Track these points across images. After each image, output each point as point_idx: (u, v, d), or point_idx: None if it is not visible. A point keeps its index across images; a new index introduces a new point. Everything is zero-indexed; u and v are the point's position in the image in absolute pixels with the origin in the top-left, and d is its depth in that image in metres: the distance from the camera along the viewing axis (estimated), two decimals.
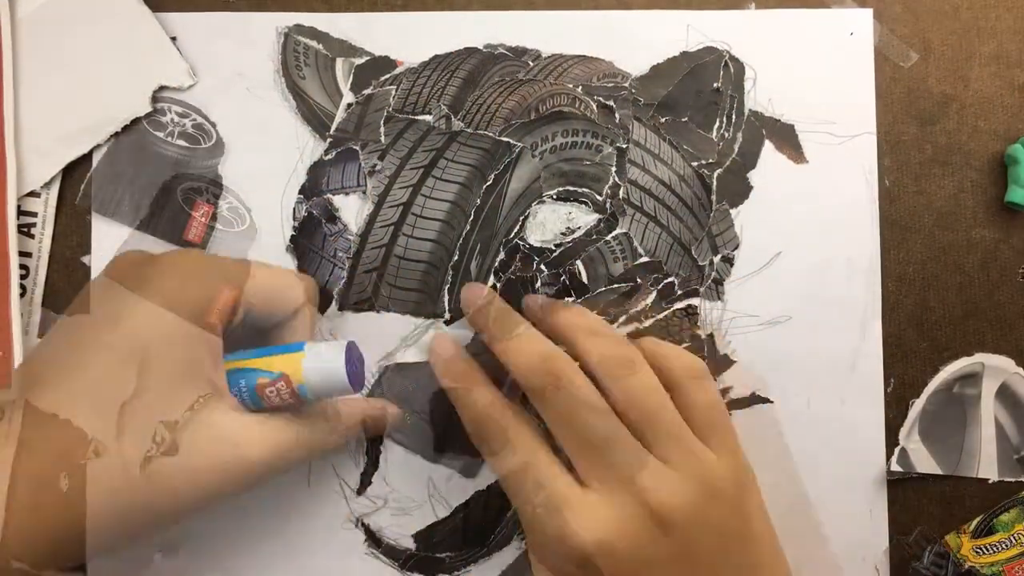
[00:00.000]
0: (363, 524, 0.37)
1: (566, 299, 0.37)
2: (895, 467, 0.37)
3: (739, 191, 0.38)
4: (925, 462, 0.38)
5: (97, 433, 0.27)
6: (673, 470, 0.30)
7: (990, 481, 0.38)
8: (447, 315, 0.37)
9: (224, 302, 0.30)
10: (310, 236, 0.38)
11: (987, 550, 0.38)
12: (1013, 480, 0.38)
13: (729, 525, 0.30)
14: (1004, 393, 0.38)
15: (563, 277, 0.37)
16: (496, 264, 0.37)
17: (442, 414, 0.37)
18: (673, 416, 0.31)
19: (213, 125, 0.38)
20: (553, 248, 0.38)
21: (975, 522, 0.37)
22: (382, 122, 0.38)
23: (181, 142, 0.38)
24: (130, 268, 0.31)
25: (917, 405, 0.38)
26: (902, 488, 0.38)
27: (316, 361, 0.31)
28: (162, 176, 0.38)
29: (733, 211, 0.38)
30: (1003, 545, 0.38)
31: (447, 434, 0.37)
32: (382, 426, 0.36)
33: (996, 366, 0.38)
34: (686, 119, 0.39)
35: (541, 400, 0.31)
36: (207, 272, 0.31)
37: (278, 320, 0.33)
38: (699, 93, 0.39)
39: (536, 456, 0.31)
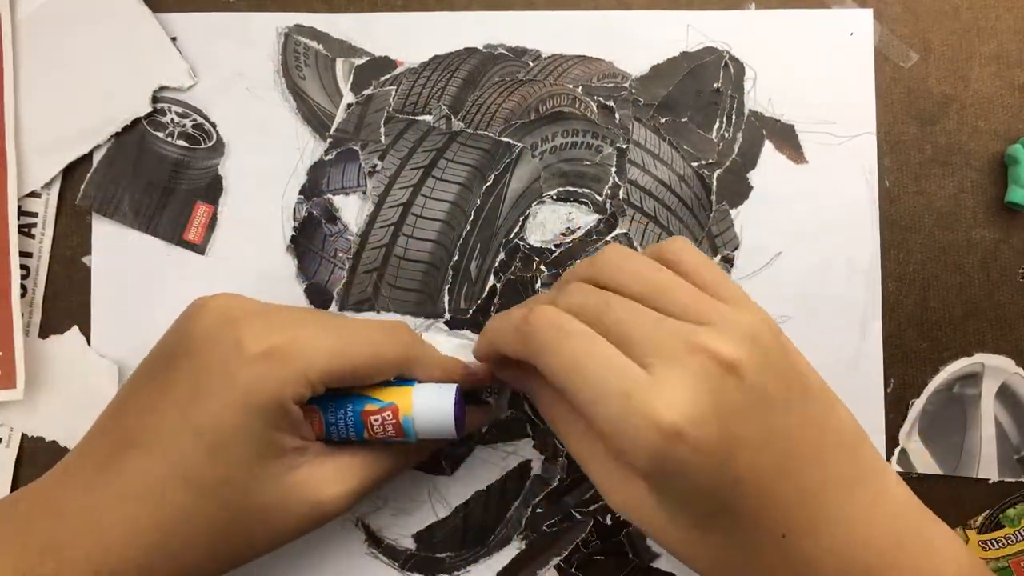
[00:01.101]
0: (363, 524, 0.37)
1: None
2: (895, 467, 0.37)
3: (739, 191, 0.38)
4: (925, 462, 0.38)
5: (186, 515, 0.29)
6: (720, 326, 0.28)
7: (990, 481, 0.38)
8: (447, 315, 0.37)
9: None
10: (310, 236, 0.38)
11: (994, 544, 0.38)
12: (1013, 480, 0.38)
13: (781, 367, 0.29)
14: (1004, 393, 0.38)
15: None
16: (496, 264, 0.37)
17: None
18: (686, 284, 0.30)
19: (213, 125, 0.38)
20: (553, 248, 0.38)
21: (981, 517, 0.38)
22: (382, 122, 0.38)
23: (181, 142, 0.38)
24: (216, 331, 0.31)
25: (917, 405, 0.38)
26: None
27: (427, 396, 0.32)
28: (162, 176, 0.38)
29: (733, 211, 0.38)
30: (1010, 540, 0.38)
31: None
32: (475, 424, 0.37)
33: (996, 366, 0.38)
34: (686, 119, 0.39)
35: (593, 311, 0.30)
36: (294, 362, 0.30)
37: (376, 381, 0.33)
38: (699, 93, 0.39)
39: (598, 341, 0.29)
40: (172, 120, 0.38)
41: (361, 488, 0.32)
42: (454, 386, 0.32)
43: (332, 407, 0.31)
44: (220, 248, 0.38)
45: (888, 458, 0.38)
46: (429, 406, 0.31)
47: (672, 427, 0.27)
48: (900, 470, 0.37)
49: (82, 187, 0.38)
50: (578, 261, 0.32)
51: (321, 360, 0.30)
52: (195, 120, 0.38)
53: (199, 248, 0.38)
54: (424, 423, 0.31)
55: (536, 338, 0.29)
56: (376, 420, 0.31)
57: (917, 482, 0.38)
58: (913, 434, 0.38)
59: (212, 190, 0.38)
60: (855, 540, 0.29)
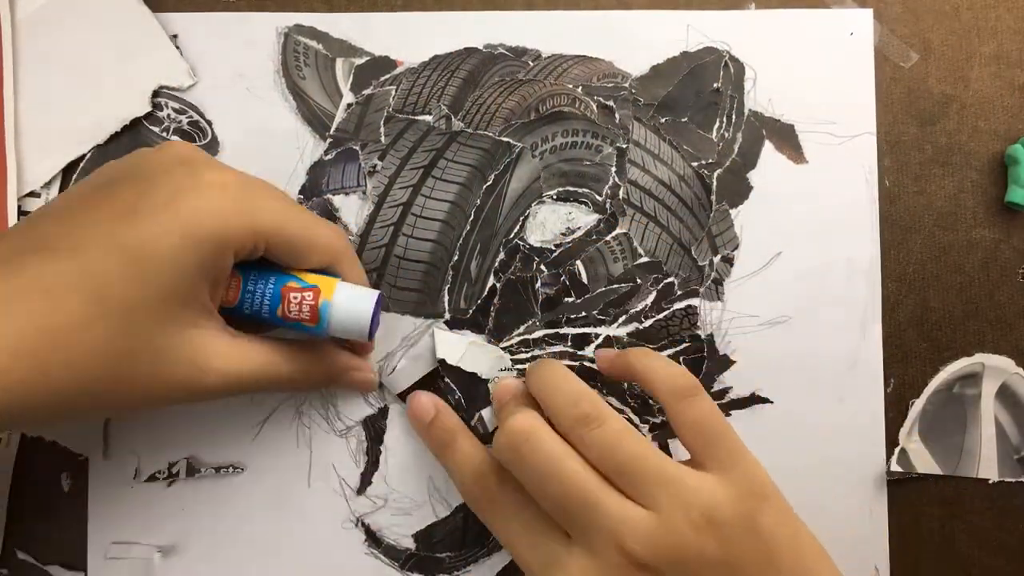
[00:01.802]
0: (363, 524, 0.37)
1: (564, 299, 0.37)
2: (895, 467, 0.37)
3: (739, 191, 0.38)
4: (925, 462, 0.38)
5: (81, 325, 0.27)
6: (659, 516, 0.29)
7: (990, 481, 0.38)
8: (447, 315, 0.37)
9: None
10: None
11: None
12: (1013, 480, 0.38)
13: (738, 550, 0.29)
14: (1004, 393, 0.38)
15: (563, 277, 0.37)
16: (496, 264, 0.37)
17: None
18: (645, 458, 0.30)
19: (209, 123, 0.38)
20: (553, 248, 0.38)
21: None
22: (382, 122, 0.38)
23: (176, 139, 0.38)
24: (173, 164, 0.30)
25: (917, 405, 0.38)
26: (902, 488, 0.38)
27: (350, 291, 0.32)
28: (130, 148, 0.38)
29: (733, 211, 0.38)
30: None
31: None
32: (358, 387, 0.36)
33: (996, 366, 0.38)
34: (686, 119, 0.39)
35: (514, 467, 0.32)
36: (245, 206, 0.30)
37: (301, 268, 0.33)
38: (699, 93, 0.39)
39: (520, 509, 0.32)
40: (168, 116, 0.38)
41: (251, 375, 0.31)
42: (378, 292, 0.33)
43: (254, 275, 0.32)
44: None
45: (888, 458, 0.38)
46: (350, 299, 0.32)
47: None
48: (900, 469, 0.37)
49: (74, 177, 0.38)
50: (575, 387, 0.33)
51: (269, 218, 0.30)
52: (191, 117, 0.38)
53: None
54: (341, 314, 0.32)
55: (476, 491, 0.33)
56: (295, 298, 0.31)
57: (917, 482, 0.38)
58: (913, 434, 0.38)
59: None
60: None
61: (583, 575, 0.29)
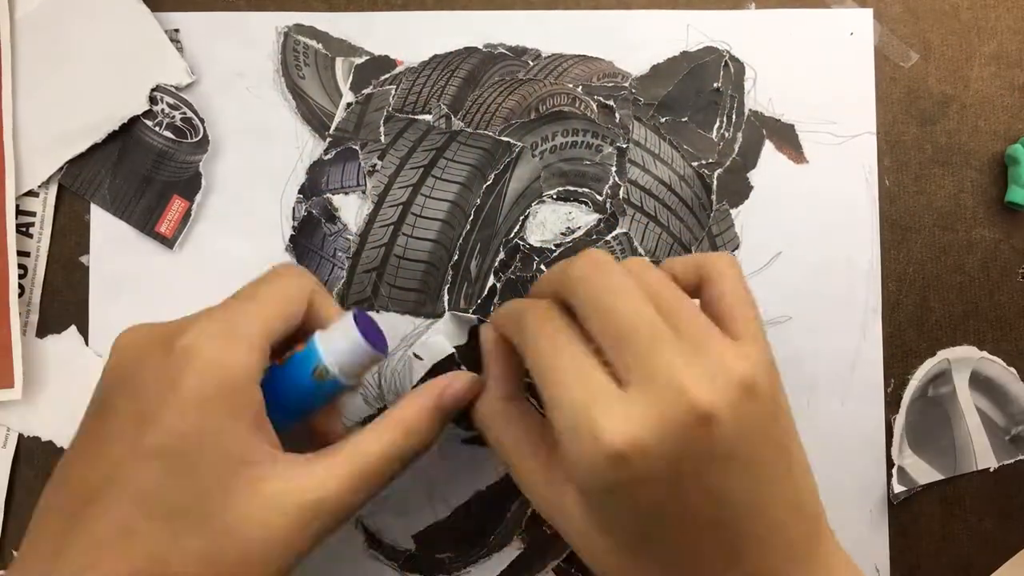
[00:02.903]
0: (363, 524, 0.37)
1: None
2: (898, 488, 0.37)
3: (739, 191, 0.38)
4: (924, 473, 0.38)
5: (160, 545, 0.26)
6: (711, 366, 0.27)
7: (991, 469, 0.38)
8: (447, 315, 0.37)
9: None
10: (310, 236, 0.38)
11: None
12: (1013, 461, 0.38)
13: (765, 422, 0.28)
14: (976, 380, 0.38)
15: None
16: (496, 264, 0.37)
17: None
18: (697, 312, 0.28)
19: (202, 121, 0.38)
20: (553, 248, 0.38)
21: None
22: (382, 122, 0.38)
23: (168, 133, 0.38)
24: (140, 354, 0.28)
25: (899, 420, 0.38)
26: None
27: (329, 342, 0.30)
28: (144, 165, 0.38)
29: (733, 211, 0.38)
30: None
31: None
32: (465, 397, 0.32)
33: (960, 358, 0.38)
34: (686, 119, 0.39)
35: (577, 290, 0.29)
36: (228, 340, 0.28)
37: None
38: (699, 93, 0.39)
39: (566, 354, 0.28)
40: (163, 110, 0.38)
41: (355, 482, 0.29)
42: (348, 314, 0.30)
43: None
44: (204, 245, 0.38)
45: (888, 481, 0.38)
46: (336, 348, 0.29)
47: (618, 451, 0.26)
48: (903, 488, 0.37)
49: (65, 166, 0.37)
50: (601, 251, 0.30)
51: (253, 322, 0.29)
52: (184, 114, 0.38)
53: (168, 242, 0.37)
54: (346, 364, 0.29)
55: (524, 327, 0.29)
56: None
57: (921, 491, 0.38)
58: (904, 450, 0.38)
59: (190, 185, 0.38)
60: None
61: (632, 413, 0.26)
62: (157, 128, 0.38)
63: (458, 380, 0.32)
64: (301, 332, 0.31)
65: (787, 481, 0.29)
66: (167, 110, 0.38)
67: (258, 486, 0.27)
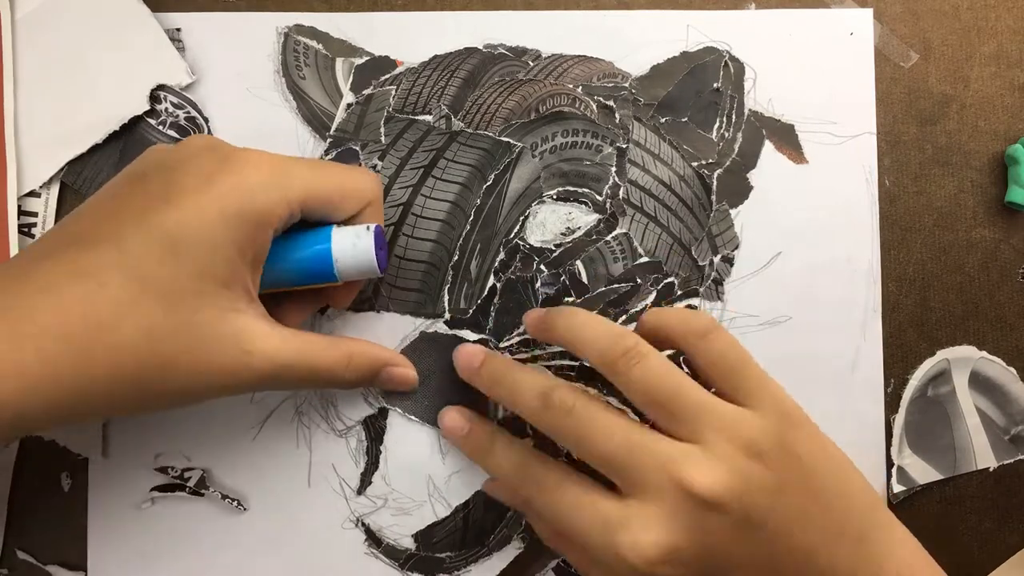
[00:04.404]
0: (363, 524, 0.37)
1: (565, 299, 0.37)
2: (897, 488, 0.37)
3: (739, 191, 0.38)
4: (924, 473, 0.38)
5: (123, 305, 0.27)
6: (707, 449, 0.29)
7: (991, 469, 0.38)
8: (447, 315, 0.37)
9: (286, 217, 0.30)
10: None
11: None
12: (1012, 460, 0.38)
13: (782, 474, 0.29)
14: (976, 380, 0.38)
15: (563, 277, 0.37)
16: (496, 264, 0.37)
17: (460, 389, 0.36)
18: (690, 393, 0.30)
19: (206, 120, 0.38)
20: (553, 248, 0.38)
21: None
22: (382, 122, 0.38)
23: (172, 132, 0.38)
24: (200, 151, 0.30)
25: (899, 421, 0.38)
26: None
27: (345, 240, 0.32)
28: (130, 146, 0.38)
29: (733, 211, 0.38)
30: None
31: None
32: (397, 383, 0.35)
33: (960, 357, 0.38)
34: (686, 119, 0.39)
35: (554, 433, 0.31)
36: (278, 178, 0.30)
37: (339, 219, 0.33)
38: (699, 93, 0.39)
39: (567, 485, 0.31)
40: (166, 109, 0.38)
41: (294, 362, 0.30)
42: (372, 227, 0.32)
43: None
44: None
45: (888, 480, 0.38)
46: (351, 233, 0.32)
47: (647, 564, 0.28)
48: (902, 488, 0.37)
49: (67, 165, 0.37)
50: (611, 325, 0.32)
51: (300, 184, 0.30)
52: (189, 113, 0.38)
53: None
54: (347, 261, 0.32)
55: (520, 487, 0.33)
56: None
57: (921, 491, 0.38)
58: (904, 450, 0.38)
59: None
60: None
61: (646, 525, 0.28)
62: (161, 127, 0.38)
63: (403, 371, 0.35)
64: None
65: (818, 500, 0.30)
66: (171, 109, 0.38)
67: (229, 315, 0.29)
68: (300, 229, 0.32)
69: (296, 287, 0.33)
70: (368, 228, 0.32)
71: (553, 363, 0.37)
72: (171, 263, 0.27)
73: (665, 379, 0.30)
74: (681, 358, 0.35)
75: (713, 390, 0.31)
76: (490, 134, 0.38)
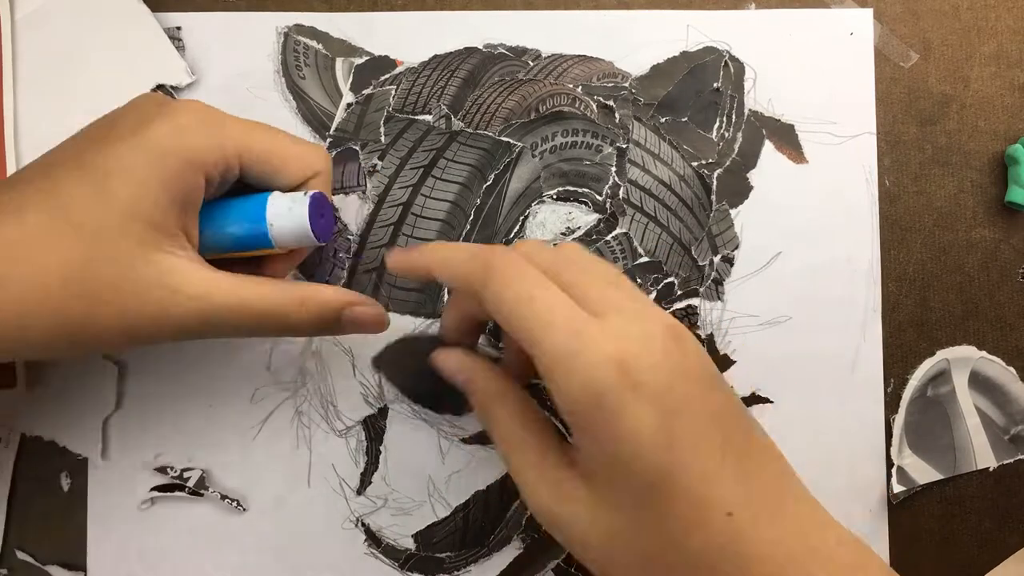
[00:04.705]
0: (363, 524, 0.37)
1: None
2: (897, 488, 0.37)
3: (739, 191, 0.38)
4: (924, 473, 0.38)
5: (41, 239, 0.27)
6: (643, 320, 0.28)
7: (991, 469, 0.38)
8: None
9: (218, 165, 0.30)
10: None
11: None
12: (1012, 460, 0.38)
13: (705, 367, 0.28)
14: (976, 380, 0.38)
15: None
16: None
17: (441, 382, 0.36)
18: (611, 268, 0.30)
19: None
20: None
21: None
22: (382, 122, 0.38)
23: None
24: (142, 100, 0.31)
25: (898, 421, 0.38)
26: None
27: (281, 204, 0.31)
28: None
29: (733, 211, 0.38)
30: None
31: (451, 395, 0.36)
32: (364, 324, 0.33)
33: (960, 357, 0.38)
34: (686, 119, 0.39)
35: (550, 256, 0.29)
36: (211, 124, 0.30)
37: (283, 186, 0.32)
38: (699, 93, 0.39)
39: (545, 287, 0.28)
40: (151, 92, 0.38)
41: (227, 304, 0.30)
42: (308, 196, 0.31)
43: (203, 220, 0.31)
44: None
45: (888, 481, 0.38)
46: (288, 198, 0.31)
47: (620, 362, 0.26)
48: (902, 488, 0.37)
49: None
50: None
51: (237, 133, 0.30)
52: None
53: None
54: (282, 227, 0.31)
55: (492, 269, 0.28)
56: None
57: (921, 491, 0.38)
58: (904, 450, 0.38)
59: None
60: (798, 531, 0.26)
61: (623, 332, 0.26)
62: None
63: (368, 309, 0.33)
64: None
65: (739, 406, 0.29)
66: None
67: (155, 253, 0.28)
68: (240, 195, 0.32)
69: (234, 253, 0.32)
70: (305, 194, 0.31)
71: None
72: (98, 200, 0.28)
73: (616, 271, 0.30)
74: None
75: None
76: (490, 134, 0.38)
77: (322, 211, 0.32)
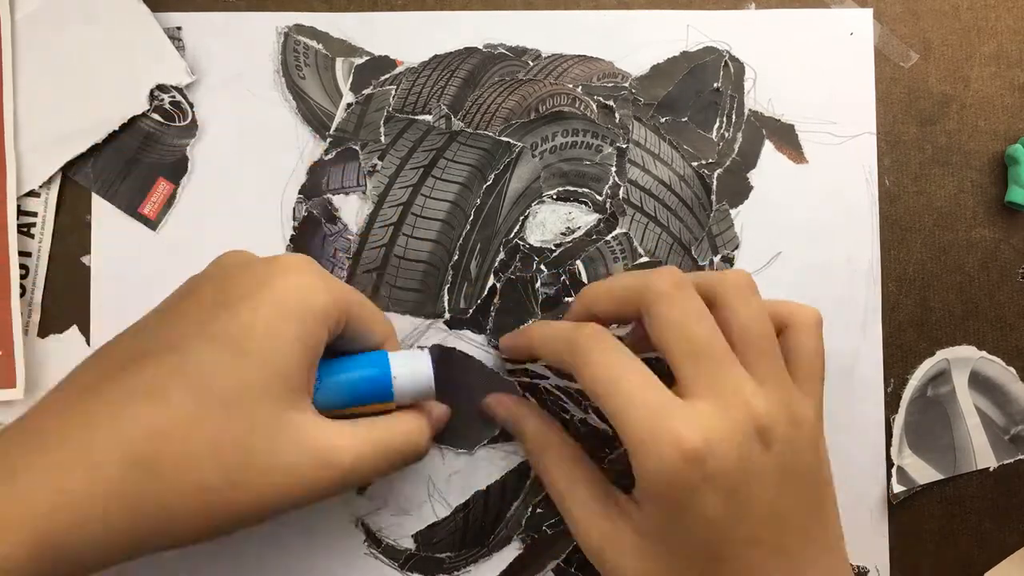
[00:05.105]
0: (363, 524, 0.37)
1: (565, 299, 0.37)
2: (897, 488, 0.37)
3: (739, 191, 0.38)
4: (924, 473, 0.38)
5: (189, 417, 0.26)
6: (773, 393, 0.29)
7: (991, 469, 0.38)
8: (447, 315, 0.37)
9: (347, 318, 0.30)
10: (310, 236, 0.38)
11: None
12: (1012, 460, 0.38)
13: (805, 456, 0.30)
14: (976, 380, 0.38)
15: (563, 277, 0.37)
16: (496, 264, 0.37)
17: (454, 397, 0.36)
18: (777, 351, 0.30)
19: (191, 105, 0.38)
20: (553, 248, 0.38)
21: None
22: (382, 122, 0.38)
23: (156, 116, 0.38)
24: (242, 262, 0.30)
25: (898, 421, 0.38)
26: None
27: (404, 359, 0.32)
28: (131, 146, 0.38)
29: (733, 211, 0.38)
30: None
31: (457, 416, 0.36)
32: (443, 426, 0.35)
33: (960, 357, 0.38)
34: (686, 119, 0.39)
35: (647, 311, 0.30)
36: (326, 279, 0.30)
37: (368, 346, 0.32)
38: (699, 93, 0.39)
39: (631, 369, 0.29)
40: (152, 93, 0.38)
41: (373, 454, 0.29)
42: (426, 349, 0.33)
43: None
44: (205, 246, 0.38)
45: (888, 481, 0.38)
46: (408, 365, 0.32)
47: (695, 449, 0.27)
48: (902, 488, 0.37)
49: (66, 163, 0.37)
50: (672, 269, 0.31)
51: (348, 292, 0.30)
52: (173, 97, 0.38)
53: (151, 224, 0.38)
54: (407, 384, 0.31)
55: (581, 346, 0.30)
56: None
57: (921, 491, 0.38)
58: (904, 450, 0.38)
59: (177, 169, 0.38)
60: None
61: (701, 423, 0.28)
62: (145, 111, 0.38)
63: (443, 415, 0.35)
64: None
65: (819, 507, 0.30)
66: (156, 92, 0.38)
67: (298, 415, 0.28)
68: (346, 354, 0.32)
69: (348, 409, 0.31)
70: (423, 349, 0.33)
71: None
72: (235, 368, 0.27)
73: (765, 324, 0.30)
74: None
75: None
76: (490, 134, 0.38)
77: (433, 364, 0.32)
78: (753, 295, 0.31)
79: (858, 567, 0.37)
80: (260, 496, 0.27)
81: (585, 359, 0.30)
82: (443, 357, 0.37)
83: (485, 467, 0.37)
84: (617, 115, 0.38)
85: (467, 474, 0.37)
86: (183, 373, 0.26)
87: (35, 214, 0.37)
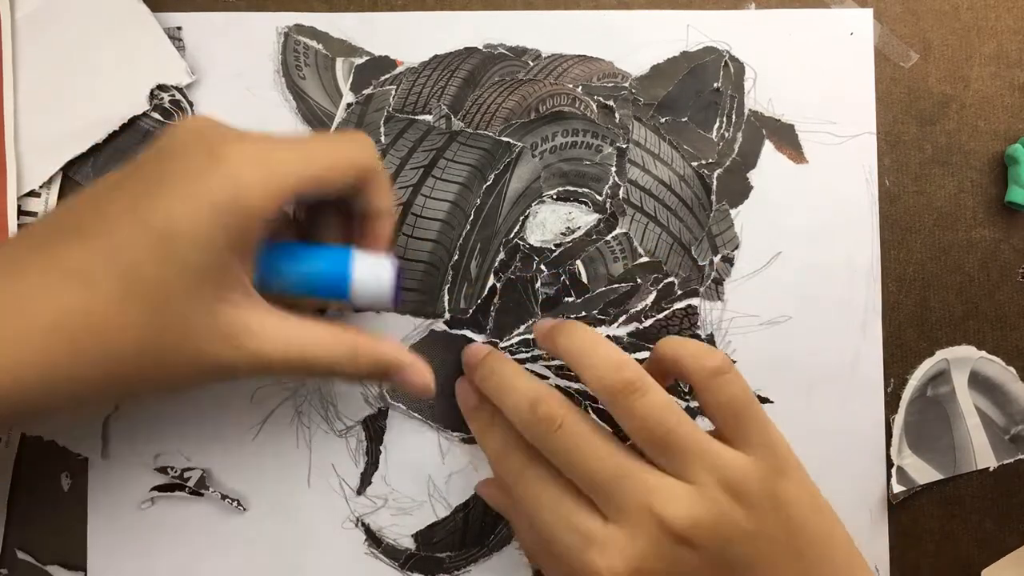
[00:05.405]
0: (363, 524, 0.37)
1: (565, 299, 0.37)
2: (897, 488, 0.37)
3: (739, 191, 0.38)
4: (924, 473, 0.38)
5: (113, 305, 0.27)
6: (693, 486, 0.29)
7: (991, 469, 0.38)
8: (447, 315, 0.37)
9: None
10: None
11: None
12: (1012, 460, 0.38)
13: (766, 521, 0.30)
14: (976, 380, 0.38)
15: (563, 277, 0.37)
16: (496, 264, 0.37)
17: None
18: (685, 431, 0.30)
19: (191, 104, 0.38)
20: (553, 248, 0.38)
21: None
22: (382, 122, 0.38)
23: (155, 115, 0.38)
24: (190, 141, 0.29)
25: (898, 421, 0.38)
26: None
27: (367, 262, 0.32)
28: (130, 144, 0.38)
29: (733, 211, 0.38)
30: None
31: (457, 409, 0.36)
32: (411, 389, 0.33)
33: (960, 357, 0.38)
34: (686, 119, 0.39)
35: (540, 445, 0.31)
36: (263, 166, 0.29)
37: (342, 190, 0.32)
38: (699, 93, 0.39)
39: (551, 486, 0.31)
40: (152, 92, 0.38)
41: (289, 354, 0.30)
42: (391, 261, 0.32)
43: (272, 263, 0.31)
44: None
45: (888, 481, 0.38)
46: (370, 264, 0.32)
47: None
48: (902, 488, 0.37)
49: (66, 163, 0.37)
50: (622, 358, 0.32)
51: (289, 170, 0.29)
52: (173, 96, 0.38)
53: None
54: (364, 287, 0.31)
55: (504, 473, 0.33)
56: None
57: (921, 491, 0.38)
58: (904, 450, 0.38)
59: None
60: None
61: (620, 551, 0.29)
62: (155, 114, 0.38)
63: (419, 375, 0.33)
64: (344, 198, 0.32)
65: (801, 564, 0.30)
66: (156, 91, 0.38)
67: (219, 308, 0.29)
68: (313, 243, 0.32)
69: (297, 298, 0.32)
70: (390, 259, 0.32)
71: (553, 363, 0.37)
72: (161, 261, 0.27)
73: (663, 417, 0.30)
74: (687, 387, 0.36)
75: (713, 429, 0.32)
76: (490, 134, 0.38)
77: (400, 279, 0.32)
78: (643, 390, 0.31)
79: None
80: (174, 381, 0.29)
81: (514, 490, 0.33)
82: (442, 338, 0.37)
83: (485, 467, 0.37)
84: (617, 115, 0.38)
85: (467, 474, 0.37)
86: (112, 259, 0.27)
87: (35, 214, 0.37)
